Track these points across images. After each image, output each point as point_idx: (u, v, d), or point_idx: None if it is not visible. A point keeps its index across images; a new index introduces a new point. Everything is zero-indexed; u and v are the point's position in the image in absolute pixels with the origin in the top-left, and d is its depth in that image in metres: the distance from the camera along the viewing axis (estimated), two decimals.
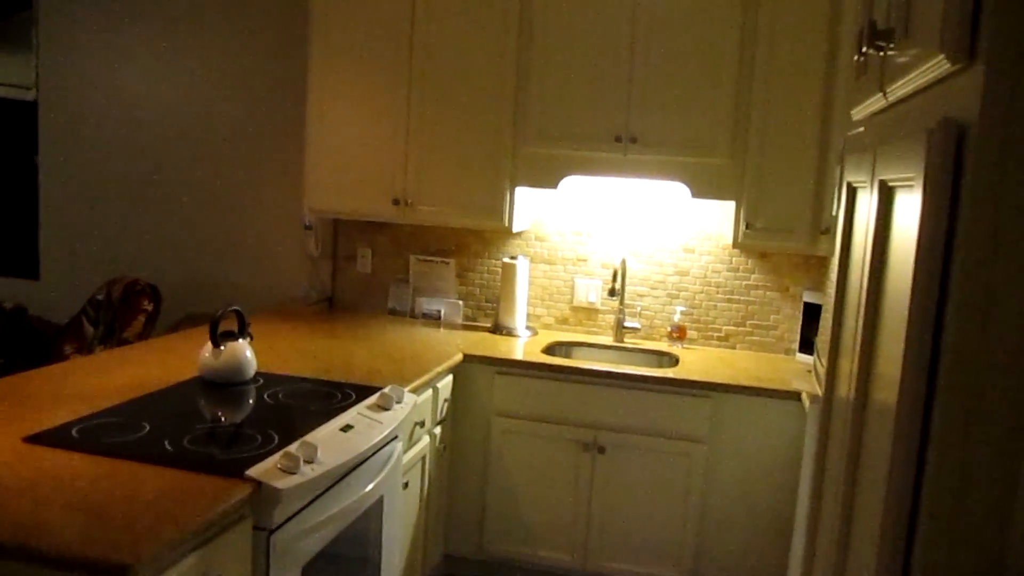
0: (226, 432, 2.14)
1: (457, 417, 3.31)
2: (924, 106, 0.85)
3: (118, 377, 2.57)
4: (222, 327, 2.56)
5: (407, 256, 3.99)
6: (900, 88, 0.95)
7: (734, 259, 3.65)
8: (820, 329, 2.08)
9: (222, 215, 4.21)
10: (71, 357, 3.87)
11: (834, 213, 1.92)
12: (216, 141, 4.18)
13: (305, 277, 4.11)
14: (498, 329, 3.72)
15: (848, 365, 1.17)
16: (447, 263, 3.94)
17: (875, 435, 0.98)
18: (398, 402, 2.48)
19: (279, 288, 4.12)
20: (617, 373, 3.15)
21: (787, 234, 3.25)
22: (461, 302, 3.92)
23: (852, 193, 1.23)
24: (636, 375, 3.14)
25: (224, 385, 2.52)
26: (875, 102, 1.10)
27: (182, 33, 4.17)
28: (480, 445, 3.31)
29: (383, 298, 4.02)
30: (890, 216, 0.96)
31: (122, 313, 3.80)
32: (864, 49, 1.02)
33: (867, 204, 1.08)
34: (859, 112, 1.29)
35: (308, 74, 3.64)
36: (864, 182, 1.09)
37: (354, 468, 2.20)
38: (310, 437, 2.06)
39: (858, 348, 1.06)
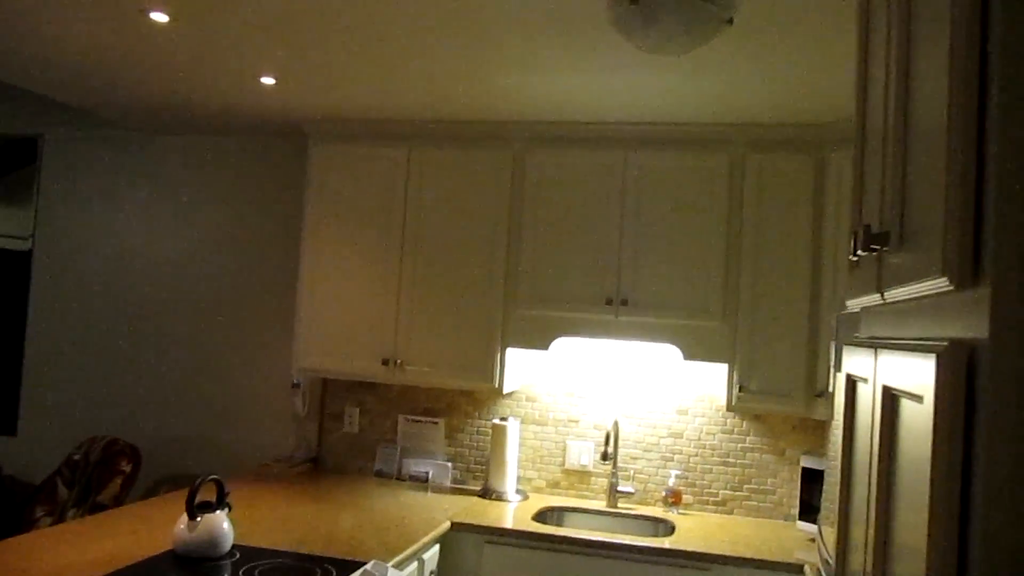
0: None
1: None
2: (927, 315, 0.84)
3: (89, 550, 2.44)
4: (200, 496, 2.46)
5: (396, 416, 3.91)
6: (899, 293, 0.93)
7: (728, 421, 3.58)
8: (824, 497, 2.01)
9: (209, 372, 4.16)
10: (41, 522, 3.70)
11: (830, 387, 1.89)
12: (207, 299, 4.18)
13: (291, 436, 4.01)
14: (487, 493, 3.60)
15: (862, 536, 1.10)
16: (436, 423, 3.86)
17: None
18: None
19: (264, 447, 4.01)
20: (612, 544, 3.02)
21: (781, 397, 3.21)
22: (450, 463, 3.82)
23: (852, 384, 1.21)
24: (631, 546, 3.01)
25: (198, 560, 2.39)
26: (872, 300, 1.09)
27: (179, 192, 4.25)
28: None
29: (370, 458, 3.91)
30: (897, 419, 0.92)
31: (99, 474, 3.67)
32: (858, 252, 1.02)
33: (869, 400, 1.05)
34: (856, 304, 1.28)
35: (302, 233, 3.69)
36: (865, 379, 1.07)
37: None
38: None
39: (872, 521, 0.99)
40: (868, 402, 1.07)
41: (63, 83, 3.45)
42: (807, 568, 2.81)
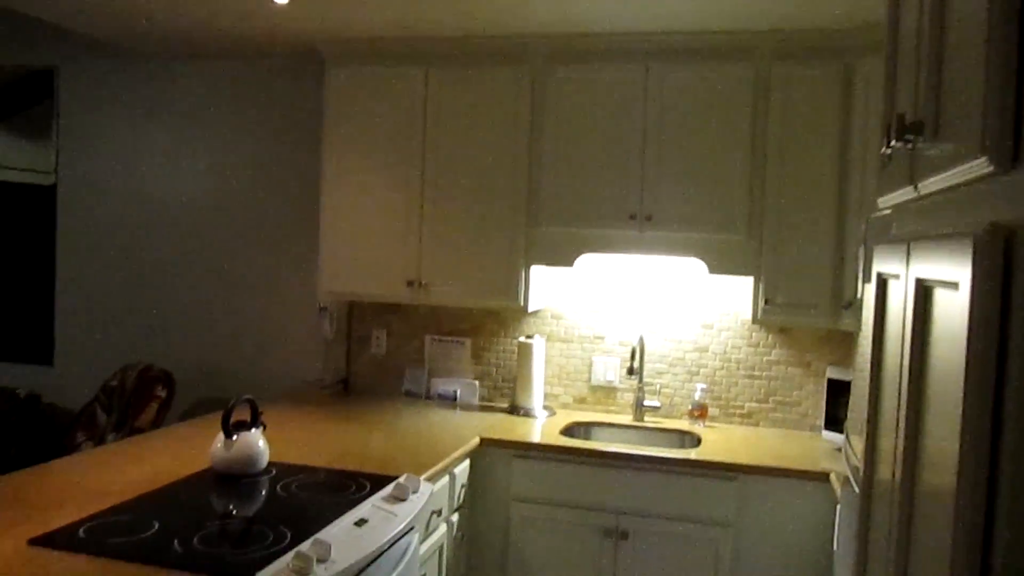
0: (237, 529, 2.08)
1: (475, 503, 3.22)
2: (963, 203, 0.82)
3: (129, 470, 2.51)
4: (235, 416, 2.51)
5: (422, 337, 3.95)
6: (934, 184, 0.91)
7: (754, 334, 3.59)
8: (851, 408, 2.01)
9: (237, 300, 4.21)
10: (84, 446, 3.81)
11: (859, 295, 1.87)
12: (232, 226, 4.20)
13: (320, 360, 4.07)
14: (515, 410, 3.65)
15: (891, 445, 1.11)
16: (462, 343, 3.90)
17: (929, 518, 0.92)
18: (414, 492, 2.41)
19: (294, 372, 4.08)
20: (638, 455, 3.07)
21: (808, 309, 3.20)
22: (477, 383, 3.87)
23: (883, 283, 1.19)
24: (658, 457, 3.05)
25: (236, 477, 2.46)
26: (905, 194, 1.07)
27: (198, 122, 4.23)
28: (499, 533, 3.21)
29: (398, 380, 3.97)
30: (929, 312, 0.91)
31: (135, 400, 3.76)
32: (891, 143, 0.99)
33: (901, 297, 1.04)
34: (887, 201, 1.25)
35: (322, 158, 3.67)
36: (897, 275, 1.05)
37: (369, 564, 2.12)
38: (323, 534, 1.99)
39: (902, 429, 1.00)
40: (900, 300, 1.05)
41: (76, 12, 3.41)
42: (833, 476, 2.85)
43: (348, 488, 2.41)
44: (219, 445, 2.49)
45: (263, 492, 2.37)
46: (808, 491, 2.93)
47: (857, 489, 1.60)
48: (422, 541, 2.65)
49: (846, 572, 2.39)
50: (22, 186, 4.61)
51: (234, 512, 2.23)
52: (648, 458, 3.06)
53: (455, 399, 3.86)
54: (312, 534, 1.99)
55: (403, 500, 2.35)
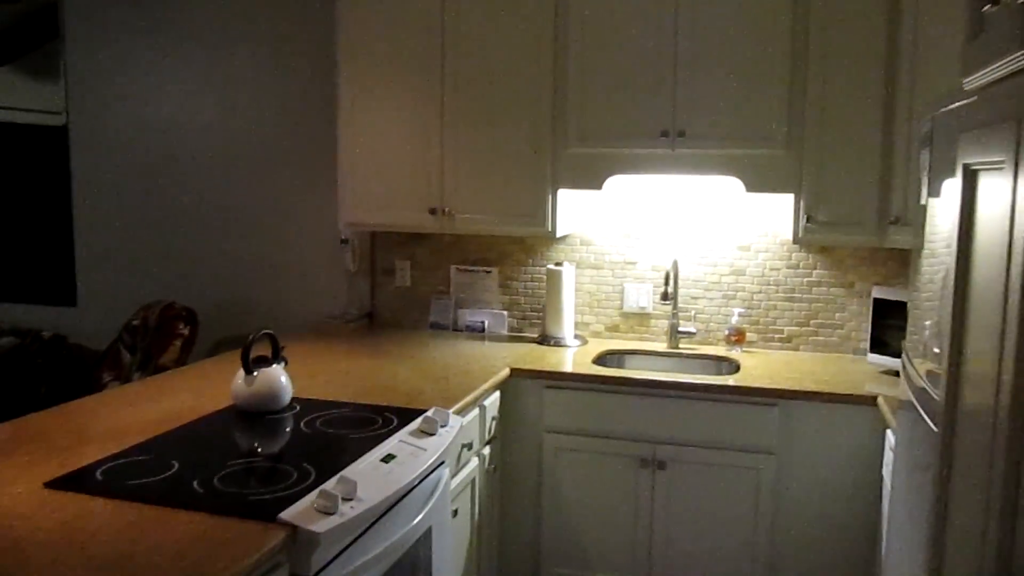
0: (260, 469, 1.99)
1: (507, 436, 3.13)
2: None
3: (150, 409, 2.44)
4: (255, 352, 2.42)
5: (448, 267, 3.83)
6: None
7: (793, 255, 3.42)
8: (910, 329, 1.87)
9: (257, 234, 4.10)
10: (109, 385, 3.77)
11: (922, 201, 1.71)
12: (248, 159, 4.07)
13: (343, 293, 3.97)
14: (545, 340, 3.54)
15: (989, 369, 0.97)
16: (489, 272, 3.77)
17: None
18: (443, 426, 2.32)
19: (317, 306, 3.99)
20: (675, 383, 2.95)
21: (852, 227, 3.02)
22: (506, 313, 3.75)
23: (971, 178, 1.04)
24: (696, 384, 2.93)
25: (259, 414, 2.38)
26: (1011, 63, 0.91)
27: (209, 53, 4.07)
28: (532, 464, 3.13)
29: (424, 312, 3.86)
30: None
31: (158, 339, 3.70)
32: (990, 4, 0.82)
33: (1005, 190, 0.88)
34: (977, 80, 1.08)
35: (338, 86, 3.50)
36: (998, 164, 0.90)
37: (398, 501, 2.03)
38: (349, 471, 1.91)
39: (1010, 350, 0.86)
40: (1002, 194, 0.90)
41: None
42: (881, 400, 2.71)
43: (374, 423, 2.32)
44: (240, 382, 2.40)
45: (286, 429, 2.28)
46: (854, 416, 2.81)
47: (927, 417, 1.47)
48: (453, 475, 2.57)
49: (900, 501, 2.28)
50: (33, 128, 4.49)
51: (257, 450, 2.15)
52: (685, 384, 2.94)
53: (483, 330, 3.76)
54: (337, 471, 1.90)
55: (432, 435, 2.26)
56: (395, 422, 2.33)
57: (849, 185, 3.00)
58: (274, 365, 2.45)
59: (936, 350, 1.48)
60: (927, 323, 1.68)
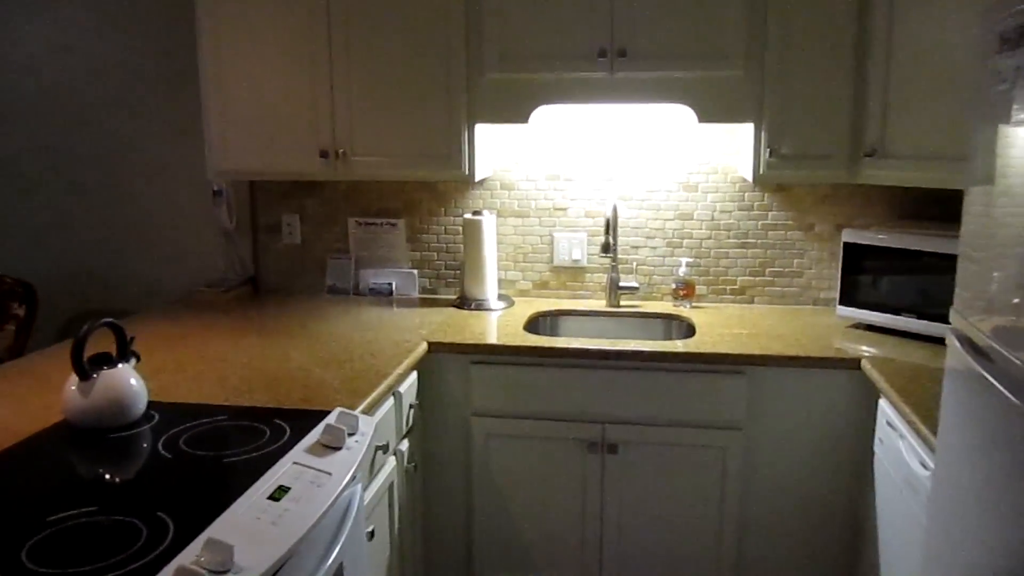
0: (93, 526, 1.41)
1: (428, 424, 2.62)
2: None
3: None
4: (95, 348, 1.81)
5: (345, 221, 3.24)
6: None
7: (746, 195, 2.99)
8: (963, 281, 1.45)
9: (110, 189, 3.39)
10: None
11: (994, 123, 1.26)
12: (92, 97, 3.33)
13: (219, 256, 3.33)
14: (465, 303, 3.02)
15: None
16: (394, 225, 3.20)
17: None
18: (351, 434, 1.78)
19: (189, 272, 3.34)
20: (621, 351, 2.48)
21: (821, 160, 2.59)
22: (416, 272, 3.21)
23: None
24: (648, 352, 2.47)
25: (100, 432, 1.78)
26: None
27: None
28: (459, 455, 2.64)
29: (319, 275, 3.27)
30: None
31: None
32: None
33: None
34: None
35: (195, 3, 2.82)
36: None
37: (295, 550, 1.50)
38: (222, 524, 1.36)
39: None
40: None
41: None
42: (866, 364, 2.32)
43: (259, 437, 1.76)
44: (73, 390, 1.79)
45: (137, 454, 1.70)
46: (834, 383, 2.41)
47: (1000, 385, 1.11)
48: (366, 486, 2.05)
49: (898, 478, 1.89)
50: None
51: (92, 493, 1.56)
52: (634, 353, 2.48)
53: (391, 293, 3.21)
54: (206, 525, 1.35)
55: (338, 448, 1.72)
56: (287, 433, 1.78)
57: (817, 112, 2.56)
58: (120, 365, 1.85)
59: (1016, 300, 1.18)
60: (995, 274, 1.29)
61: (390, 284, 3.21)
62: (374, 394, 2.07)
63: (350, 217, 3.22)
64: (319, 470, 1.62)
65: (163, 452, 1.68)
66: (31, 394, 2.05)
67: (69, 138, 3.37)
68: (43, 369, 2.27)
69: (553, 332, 2.97)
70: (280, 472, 1.58)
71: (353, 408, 1.94)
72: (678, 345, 2.52)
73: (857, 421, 2.40)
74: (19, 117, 3.38)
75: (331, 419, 1.81)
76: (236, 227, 3.29)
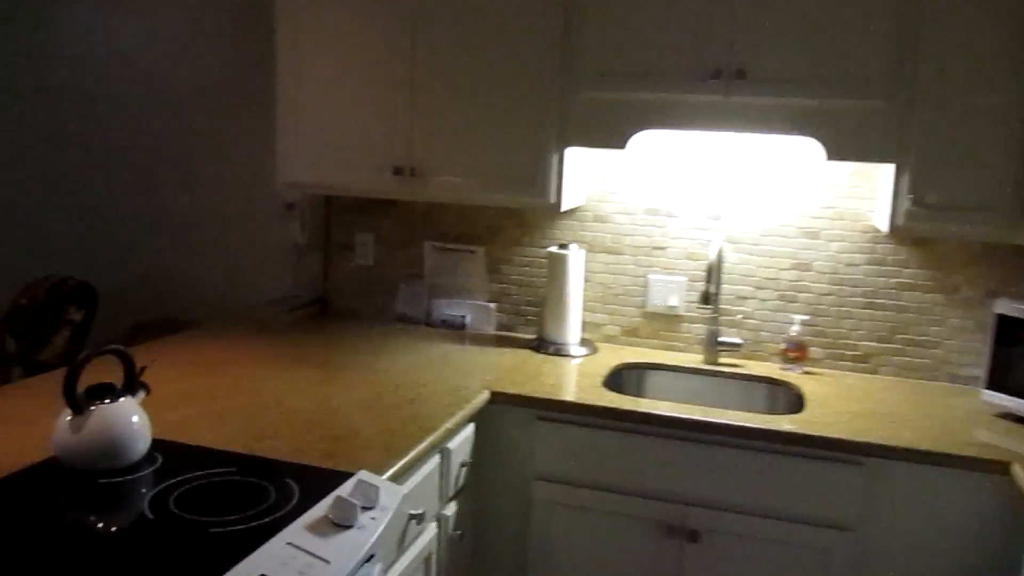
0: None
1: (482, 486, 2.30)
2: None
3: None
4: (110, 375, 1.59)
5: (421, 244, 2.98)
6: None
7: (878, 247, 2.55)
8: None
9: (183, 193, 3.24)
10: None
11: None
12: (169, 104, 3.20)
13: (289, 272, 3.13)
14: (543, 345, 2.70)
15: None
16: (473, 253, 2.92)
17: None
18: (366, 509, 1.48)
19: (256, 286, 3.15)
20: (718, 424, 2.10)
21: (977, 214, 2.15)
22: (493, 305, 2.91)
23: None
24: (748, 428, 2.08)
25: (90, 475, 1.54)
26: None
27: None
28: (515, 524, 2.31)
29: (391, 299, 3.02)
30: None
31: (43, 325, 2.87)
32: None
33: None
34: None
35: (275, 9, 2.62)
36: None
37: None
38: None
39: None
40: None
41: None
42: (1017, 468, 1.87)
43: (262, 500, 1.49)
44: (64, 423, 1.57)
45: (117, 510, 1.45)
46: (975, 486, 1.96)
47: None
48: (393, 562, 1.75)
49: None
50: None
51: (39, 559, 1.31)
52: (731, 428, 2.09)
53: (463, 327, 2.92)
54: None
55: (347, 527, 1.42)
56: (294, 499, 1.49)
57: (975, 154, 2.13)
58: (122, 399, 1.61)
59: None
60: None
61: (463, 317, 2.92)
62: (410, 455, 1.76)
63: (426, 240, 2.96)
64: (316, 556, 1.33)
65: (147, 511, 1.43)
66: (42, 418, 1.84)
67: (149, 139, 3.25)
68: (55, 388, 2.07)
69: (638, 387, 2.61)
70: (267, 556, 1.29)
71: (383, 470, 1.65)
72: (784, 423, 2.12)
73: (1001, 537, 1.94)
74: (112, 112, 3.29)
75: (346, 488, 1.51)
76: (308, 244, 3.08)
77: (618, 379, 2.54)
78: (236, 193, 3.15)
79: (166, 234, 3.27)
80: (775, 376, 2.54)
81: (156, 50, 3.18)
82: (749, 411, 2.22)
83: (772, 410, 2.46)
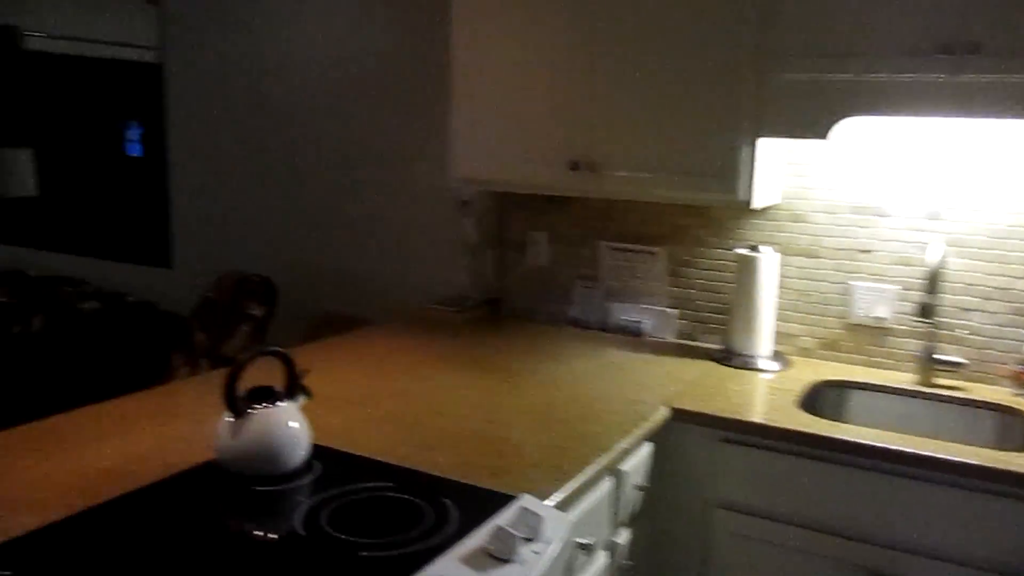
0: None
1: (658, 512, 2.10)
2: None
3: (109, 448, 1.63)
4: (255, 378, 1.54)
5: (597, 244, 2.81)
6: None
7: None
8: None
9: (359, 188, 3.25)
10: (180, 372, 3.08)
11: None
12: (352, 103, 3.22)
13: (461, 272, 3.05)
14: (729, 356, 2.45)
15: None
16: (653, 254, 2.72)
17: None
18: (527, 540, 1.33)
19: (428, 284, 3.10)
20: (938, 460, 1.79)
21: None
22: (674, 311, 2.69)
23: None
24: (975, 467, 1.76)
25: (246, 481, 1.49)
26: None
27: None
28: (694, 555, 2.09)
29: (565, 302, 2.87)
30: None
31: (227, 318, 2.94)
32: None
33: None
34: None
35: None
36: None
37: None
38: None
39: None
40: None
41: None
42: None
43: (416, 522, 1.37)
44: (224, 426, 1.52)
45: (270, 523, 1.37)
46: None
47: None
48: None
49: None
50: (122, 63, 3.86)
51: (200, 570, 1.25)
52: (954, 465, 1.78)
53: (640, 334, 2.73)
54: None
55: (505, 561, 1.27)
56: (451, 523, 1.37)
57: None
58: (282, 403, 1.55)
59: None
60: None
61: (641, 323, 2.73)
62: (580, 478, 1.60)
63: (603, 240, 2.79)
64: None
65: (298, 528, 1.34)
66: (211, 417, 1.83)
67: (334, 136, 3.28)
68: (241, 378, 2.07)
69: (838, 409, 2.32)
70: None
71: (549, 493, 1.50)
72: (1018, 461, 1.78)
73: None
74: (298, 112, 3.35)
75: (507, 516, 1.37)
76: (481, 242, 2.98)
77: (815, 398, 2.26)
78: (410, 190, 3.12)
79: (342, 231, 3.28)
80: (1006, 403, 2.17)
81: (332, 47, 3.20)
82: (973, 444, 1.90)
83: (1002, 444, 2.10)
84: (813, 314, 2.50)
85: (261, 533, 1.33)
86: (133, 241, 3.95)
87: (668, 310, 2.70)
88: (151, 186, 3.81)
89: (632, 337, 2.72)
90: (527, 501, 1.42)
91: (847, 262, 2.44)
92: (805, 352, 2.52)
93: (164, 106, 3.71)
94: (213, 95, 3.56)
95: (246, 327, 2.91)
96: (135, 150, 3.93)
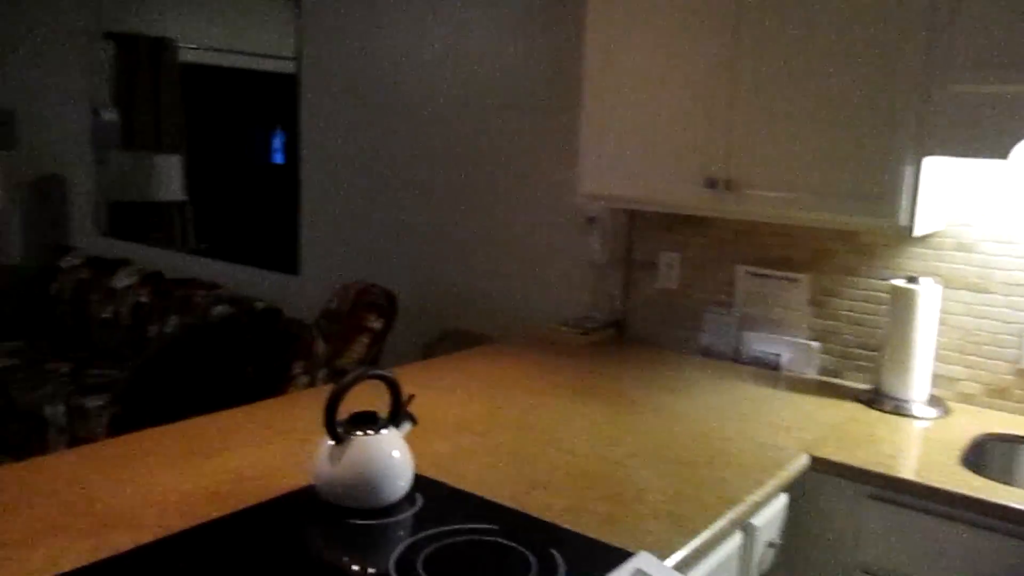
0: None
1: (792, 573, 1.89)
2: None
3: (210, 467, 1.58)
4: (354, 404, 1.45)
5: (732, 268, 2.61)
6: None
7: None
8: None
9: (484, 201, 3.16)
10: (298, 380, 3.07)
11: None
12: (479, 115, 3.13)
13: (586, 292, 2.91)
14: (878, 399, 2.21)
15: None
16: (795, 281, 2.49)
17: None
18: None
19: (551, 304, 2.98)
20: None
21: None
22: (816, 344, 2.46)
23: None
24: None
25: (342, 513, 1.40)
26: None
27: None
28: None
29: (695, 328, 2.69)
30: None
31: (347, 329, 2.91)
32: None
33: None
34: None
35: (587, 8, 2.42)
36: None
37: None
38: None
39: None
40: None
41: None
42: None
43: (521, 573, 1.24)
44: (324, 452, 1.44)
45: (366, 562, 1.28)
46: None
47: None
48: None
49: None
50: (261, 74, 3.94)
51: None
52: None
53: (778, 367, 2.51)
54: None
55: None
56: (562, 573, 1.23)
57: None
58: (385, 430, 1.46)
59: None
60: None
61: (779, 356, 2.51)
62: (707, 534, 1.43)
63: (739, 264, 2.59)
64: None
65: (391, 571, 1.24)
66: (314, 438, 1.76)
67: (457, 148, 3.21)
68: (356, 395, 2.00)
69: (1008, 467, 2.03)
70: None
71: (672, 548, 1.34)
72: None
73: None
74: (427, 124, 3.31)
75: (627, 569, 1.22)
76: (608, 261, 2.84)
77: (979, 454, 1.99)
78: (536, 205, 3.00)
79: (465, 244, 3.21)
80: None
81: (462, 60, 3.13)
82: None
83: None
84: (979, 356, 2.22)
85: (353, 571, 1.23)
86: (267, 247, 4.02)
87: (810, 343, 2.47)
88: (287, 193, 3.87)
89: (768, 371, 2.51)
90: (644, 561, 1.27)
91: (1021, 298, 2.15)
92: (967, 399, 2.24)
93: (298, 116, 3.76)
94: (343, 105, 3.57)
95: (364, 339, 2.87)
96: (279, 158, 4.00)
